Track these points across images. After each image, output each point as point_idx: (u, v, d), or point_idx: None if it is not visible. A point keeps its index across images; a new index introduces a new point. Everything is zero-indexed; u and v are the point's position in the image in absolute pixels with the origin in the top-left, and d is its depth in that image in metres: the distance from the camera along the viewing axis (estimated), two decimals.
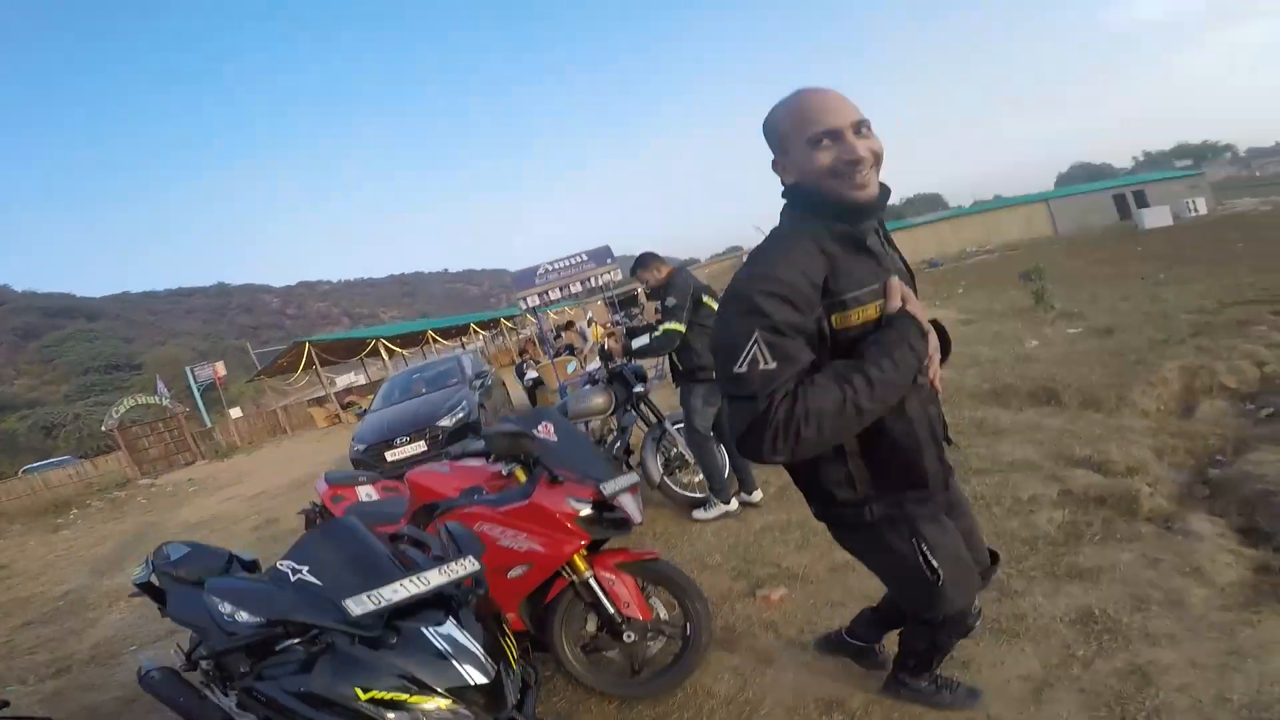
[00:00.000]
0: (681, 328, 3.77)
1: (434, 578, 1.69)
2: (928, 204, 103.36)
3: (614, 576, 2.42)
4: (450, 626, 1.71)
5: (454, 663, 1.64)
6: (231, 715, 1.82)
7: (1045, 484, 3.55)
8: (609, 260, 11.08)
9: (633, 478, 2.51)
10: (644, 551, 2.55)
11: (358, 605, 1.59)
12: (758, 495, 4.12)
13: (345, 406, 21.92)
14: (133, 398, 24.45)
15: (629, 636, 2.40)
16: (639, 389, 4.54)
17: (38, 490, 19.35)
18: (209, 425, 25.36)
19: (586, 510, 2.35)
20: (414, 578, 1.67)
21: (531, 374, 11.49)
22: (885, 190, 1.40)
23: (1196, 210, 29.70)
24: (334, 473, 3.59)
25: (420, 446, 7.54)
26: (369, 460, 7.66)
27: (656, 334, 3.82)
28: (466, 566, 1.75)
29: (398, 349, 25.72)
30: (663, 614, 2.56)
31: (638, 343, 3.99)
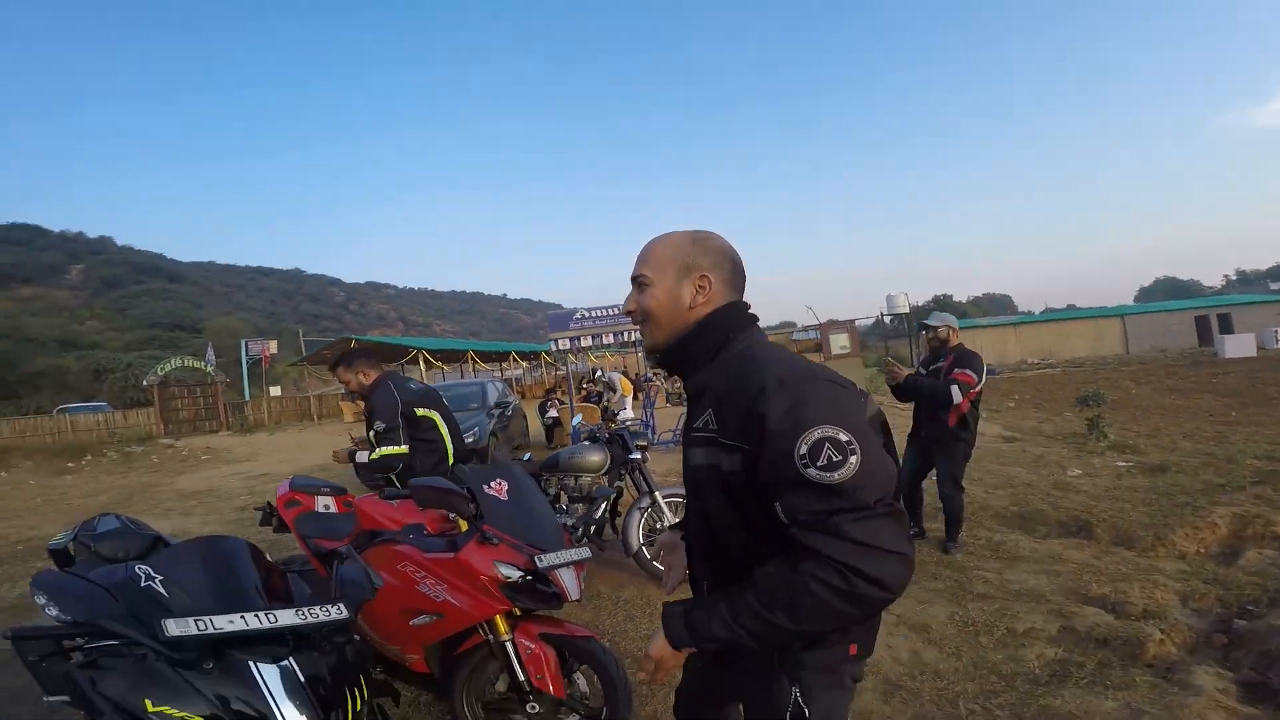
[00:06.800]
0: (402, 449, 3.44)
1: (285, 617, 1.61)
2: (997, 306, 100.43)
3: (534, 646, 2.26)
4: (288, 664, 1.63)
5: (271, 700, 1.57)
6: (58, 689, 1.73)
7: (1047, 618, 3.22)
8: None
9: (579, 554, 2.38)
10: (577, 628, 2.43)
11: (177, 627, 1.49)
12: None
13: None
14: (181, 358, 24.64)
15: (533, 708, 2.29)
16: (635, 455, 4.48)
17: (63, 431, 19.92)
18: (245, 399, 26.03)
19: (515, 577, 2.22)
20: (262, 613, 1.58)
21: (552, 413, 12.04)
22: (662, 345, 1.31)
23: None
24: (301, 478, 3.55)
25: None
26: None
27: (374, 455, 3.44)
28: (330, 614, 1.67)
29: (438, 363, 26.10)
30: (583, 694, 2.42)
31: (360, 457, 3.67)
